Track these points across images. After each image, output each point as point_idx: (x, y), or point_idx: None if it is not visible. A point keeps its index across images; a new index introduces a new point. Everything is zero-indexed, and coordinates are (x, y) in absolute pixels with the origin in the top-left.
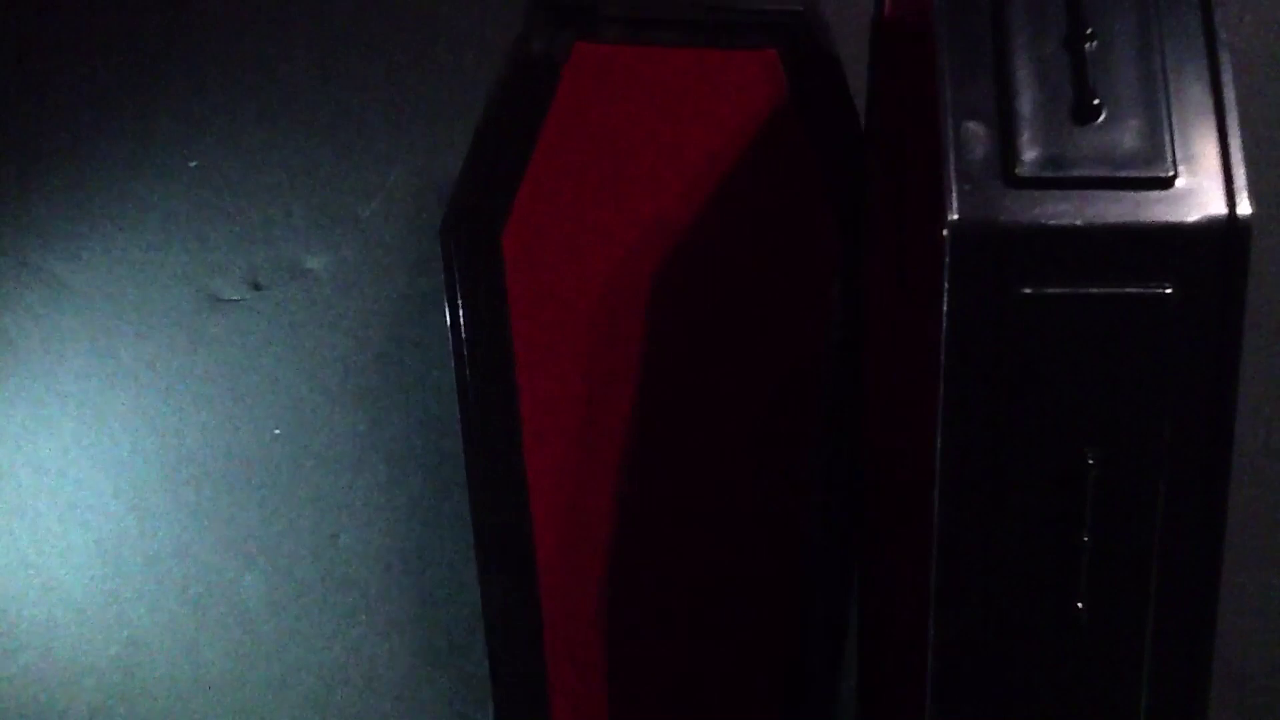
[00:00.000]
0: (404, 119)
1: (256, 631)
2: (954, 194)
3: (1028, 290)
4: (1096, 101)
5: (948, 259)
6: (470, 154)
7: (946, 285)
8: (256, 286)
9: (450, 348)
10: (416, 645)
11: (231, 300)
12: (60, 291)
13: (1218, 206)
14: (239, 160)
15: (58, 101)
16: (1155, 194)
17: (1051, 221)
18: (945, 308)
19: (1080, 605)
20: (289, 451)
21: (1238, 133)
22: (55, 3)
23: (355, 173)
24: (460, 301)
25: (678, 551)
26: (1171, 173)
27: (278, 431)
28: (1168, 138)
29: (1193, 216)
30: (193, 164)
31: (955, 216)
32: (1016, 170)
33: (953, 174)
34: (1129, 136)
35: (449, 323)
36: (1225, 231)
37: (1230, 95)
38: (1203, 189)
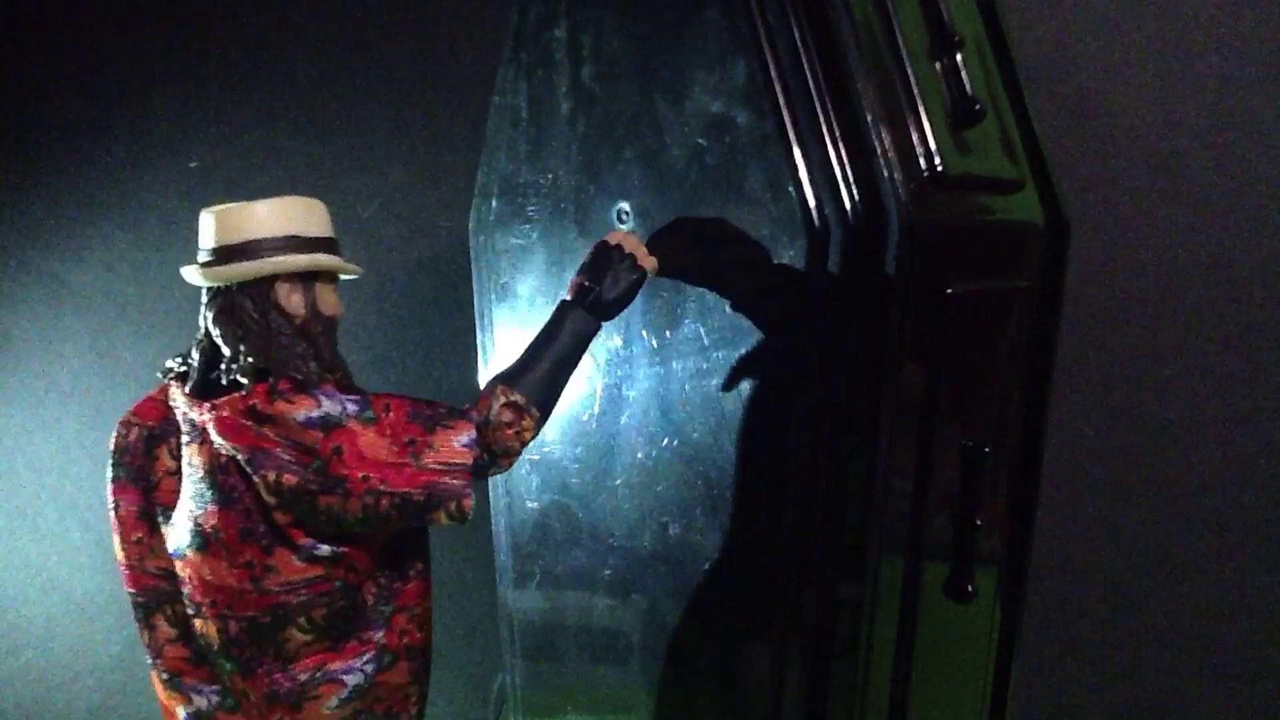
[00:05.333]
0: (404, 119)
1: None
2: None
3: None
4: (978, 107)
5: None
6: None
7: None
8: None
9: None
10: None
11: None
12: (60, 291)
13: (1051, 208)
14: (239, 161)
15: (58, 101)
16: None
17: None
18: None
19: (971, 588)
20: None
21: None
22: (55, 4)
23: (355, 173)
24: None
25: None
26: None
27: None
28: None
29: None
30: (193, 164)
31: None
32: (941, 171)
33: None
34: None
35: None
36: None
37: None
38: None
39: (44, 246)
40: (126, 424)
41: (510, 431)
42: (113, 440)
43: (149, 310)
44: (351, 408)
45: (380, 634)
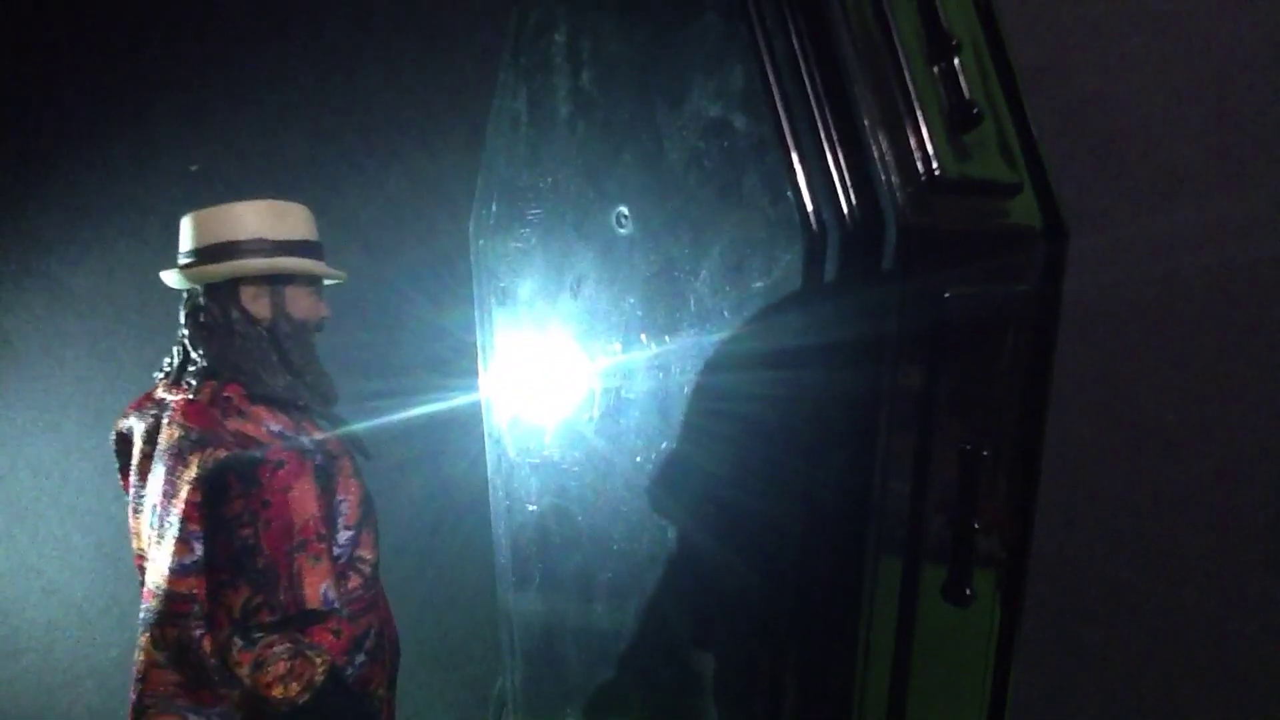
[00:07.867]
0: (404, 122)
1: None
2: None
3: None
4: (975, 110)
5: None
6: None
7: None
8: None
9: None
10: (418, 647)
11: None
12: (61, 295)
13: (1049, 211)
14: (239, 164)
15: (58, 106)
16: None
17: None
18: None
19: (969, 592)
20: None
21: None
22: (57, 6)
23: (355, 174)
24: None
25: None
26: (1019, 179)
27: None
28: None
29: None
30: (193, 168)
31: (902, 220)
32: (938, 175)
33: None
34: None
35: None
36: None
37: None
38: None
39: (45, 250)
40: (122, 415)
41: (299, 660)
42: (113, 434)
43: (149, 314)
44: (322, 460)
45: (236, 693)
